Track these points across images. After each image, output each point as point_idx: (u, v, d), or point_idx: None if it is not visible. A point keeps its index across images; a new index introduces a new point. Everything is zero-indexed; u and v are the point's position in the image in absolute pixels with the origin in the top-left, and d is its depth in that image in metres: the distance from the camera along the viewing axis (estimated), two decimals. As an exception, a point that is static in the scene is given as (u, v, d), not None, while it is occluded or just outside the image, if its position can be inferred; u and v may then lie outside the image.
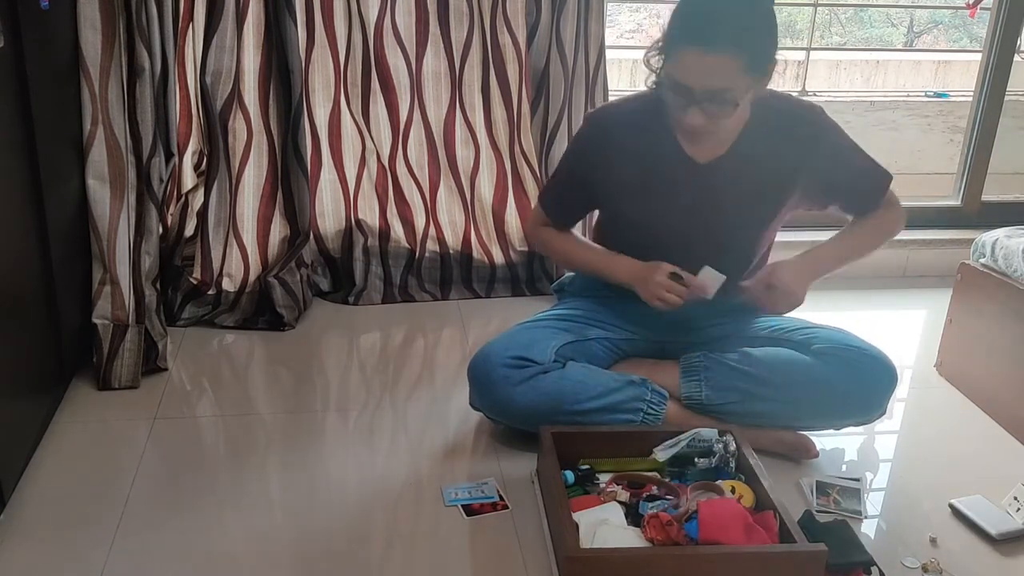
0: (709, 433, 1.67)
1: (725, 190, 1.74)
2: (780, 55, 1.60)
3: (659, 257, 1.77)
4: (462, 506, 1.63)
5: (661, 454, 1.65)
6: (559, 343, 1.81)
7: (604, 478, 1.65)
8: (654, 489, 1.61)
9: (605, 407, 1.74)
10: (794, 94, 1.78)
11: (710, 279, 1.73)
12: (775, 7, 1.59)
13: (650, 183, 1.76)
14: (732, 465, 1.65)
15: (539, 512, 1.63)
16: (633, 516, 1.54)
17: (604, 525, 1.49)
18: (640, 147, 1.73)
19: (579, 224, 2.04)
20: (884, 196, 1.83)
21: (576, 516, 1.49)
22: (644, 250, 1.80)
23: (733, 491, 1.58)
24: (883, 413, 1.80)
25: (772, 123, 1.72)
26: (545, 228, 1.96)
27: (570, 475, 1.61)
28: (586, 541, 1.45)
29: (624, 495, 1.58)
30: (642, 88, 1.74)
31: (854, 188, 1.82)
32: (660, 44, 1.63)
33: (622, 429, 1.73)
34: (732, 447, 1.66)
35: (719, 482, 1.60)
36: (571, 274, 2.08)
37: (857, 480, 1.74)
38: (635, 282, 1.78)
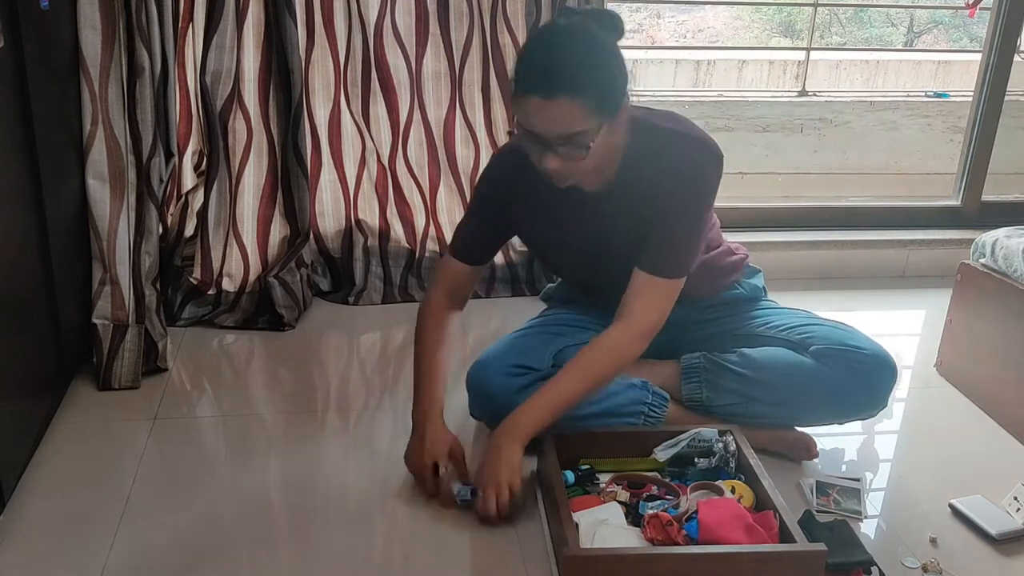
0: (709, 433, 1.67)
1: (615, 218, 1.70)
2: (630, 88, 1.54)
3: (585, 275, 1.82)
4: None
5: (661, 454, 1.65)
6: (556, 348, 1.81)
7: (604, 478, 1.65)
8: (654, 489, 1.61)
9: (606, 411, 1.74)
10: (698, 125, 1.68)
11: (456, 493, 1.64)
12: (607, 52, 1.52)
13: (549, 215, 1.74)
14: (732, 465, 1.65)
15: (539, 512, 1.63)
16: (633, 516, 1.54)
17: (604, 525, 1.49)
18: (537, 183, 1.67)
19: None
20: (664, 272, 1.65)
21: (576, 516, 1.49)
22: (566, 272, 1.90)
23: (733, 491, 1.58)
24: (885, 407, 1.80)
25: (656, 149, 1.63)
26: (432, 312, 1.81)
27: (570, 475, 1.61)
28: (586, 541, 1.45)
29: (624, 495, 1.58)
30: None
31: (655, 246, 1.66)
32: (511, 93, 1.59)
33: (622, 430, 1.73)
34: (732, 447, 1.66)
35: (719, 482, 1.60)
36: (555, 283, 2.09)
37: (857, 480, 1.74)
38: (411, 438, 1.69)
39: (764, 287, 1.99)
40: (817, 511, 1.63)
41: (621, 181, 1.65)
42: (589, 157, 1.52)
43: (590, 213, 1.70)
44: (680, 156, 1.63)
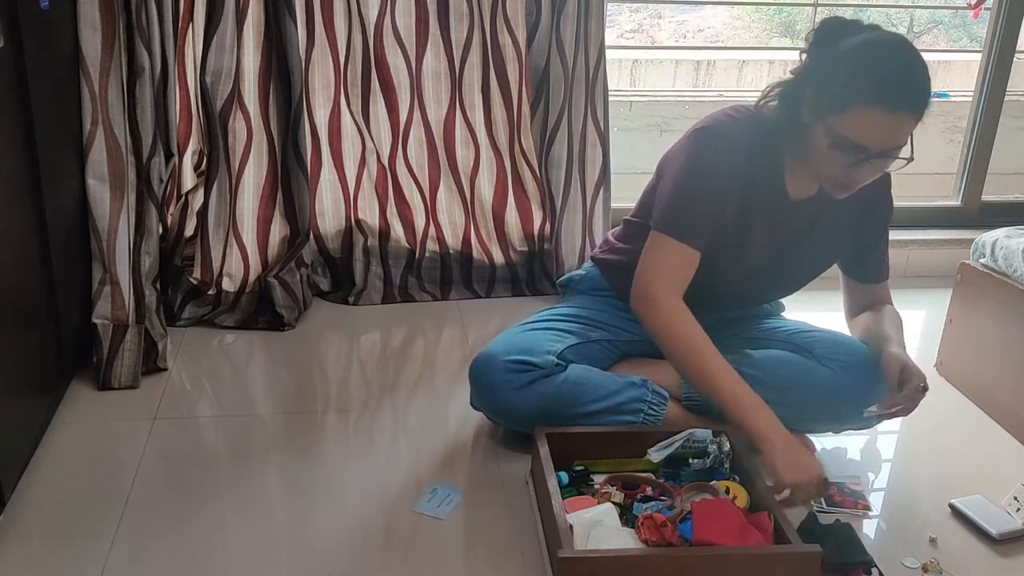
0: (703, 434, 1.67)
1: (807, 228, 1.75)
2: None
3: (715, 280, 1.69)
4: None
5: (655, 455, 1.65)
6: (561, 346, 1.81)
7: (598, 479, 1.65)
8: (648, 490, 1.61)
9: (606, 409, 1.75)
10: None
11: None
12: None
13: (747, 209, 1.71)
14: (727, 466, 1.65)
15: (534, 513, 1.63)
16: (627, 517, 1.53)
17: (598, 526, 1.48)
18: (749, 172, 1.67)
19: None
20: (887, 278, 1.91)
21: (570, 517, 1.49)
22: (708, 271, 1.68)
23: (727, 492, 1.57)
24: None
25: None
26: (682, 308, 1.64)
27: (564, 476, 1.61)
28: (580, 542, 1.45)
29: (618, 496, 1.57)
30: (730, 104, 1.71)
31: (877, 257, 1.89)
32: (808, 95, 1.57)
33: (616, 430, 1.73)
34: (726, 447, 1.66)
35: (713, 483, 1.60)
36: (580, 272, 2.05)
37: (857, 478, 1.74)
38: (777, 450, 1.53)
39: (783, 304, 2.04)
40: (817, 511, 1.63)
41: (822, 193, 1.68)
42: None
43: (790, 216, 1.73)
44: (882, 178, 1.72)
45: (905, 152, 1.55)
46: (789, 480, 1.50)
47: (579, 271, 2.07)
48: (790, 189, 1.71)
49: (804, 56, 1.62)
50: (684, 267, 1.65)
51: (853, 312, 1.93)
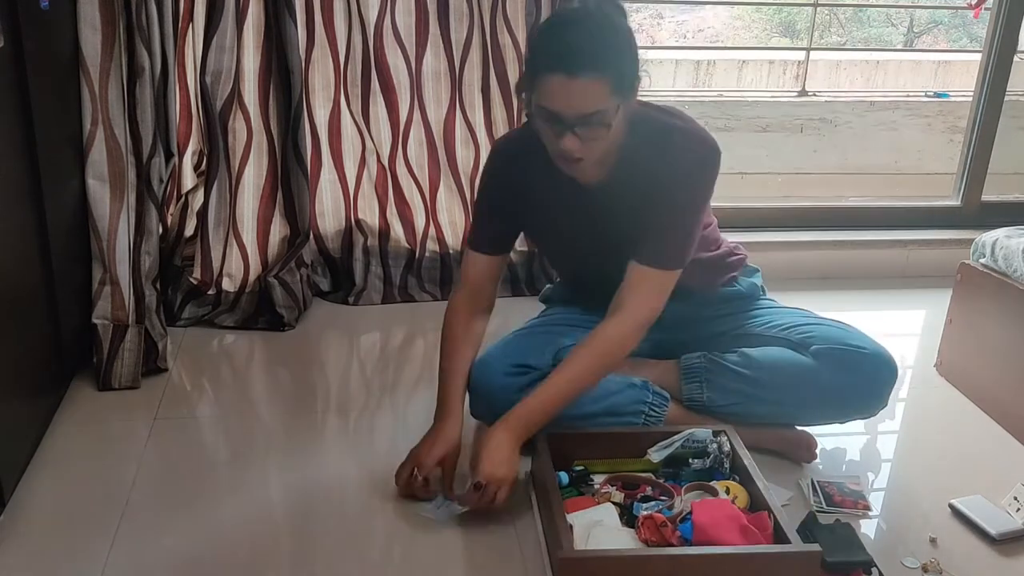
0: (703, 434, 1.67)
1: (610, 210, 1.71)
2: (643, 73, 1.57)
3: (579, 268, 1.84)
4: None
5: (655, 455, 1.65)
6: (557, 347, 1.81)
7: (598, 479, 1.65)
8: (648, 490, 1.60)
9: (607, 410, 1.74)
10: (697, 123, 1.70)
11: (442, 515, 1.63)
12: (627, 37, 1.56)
13: (549, 205, 1.75)
14: (727, 465, 1.65)
15: (534, 514, 1.63)
16: (627, 517, 1.53)
17: (598, 526, 1.49)
18: (534, 174, 1.71)
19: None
20: (659, 263, 1.66)
21: (570, 517, 1.49)
22: (567, 264, 1.93)
23: (727, 492, 1.57)
24: (885, 406, 1.80)
25: (655, 142, 1.64)
26: (457, 312, 1.80)
27: (564, 476, 1.61)
28: (580, 542, 1.45)
29: (618, 496, 1.57)
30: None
31: (649, 234, 1.67)
32: (525, 76, 1.60)
33: (617, 430, 1.73)
34: (726, 447, 1.66)
35: (713, 483, 1.59)
36: (553, 284, 2.10)
37: (857, 477, 1.74)
38: (432, 429, 1.69)
39: (763, 286, 1.99)
40: (818, 511, 1.63)
41: (618, 173, 1.67)
42: (602, 139, 1.55)
43: (586, 205, 1.72)
44: (679, 150, 1.64)
45: (607, 119, 1.52)
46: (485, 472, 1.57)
47: (551, 284, 2.12)
48: (580, 178, 1.67)
49: None
50: (481, 270, 1.80)
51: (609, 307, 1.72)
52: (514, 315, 2.23)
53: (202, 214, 2.34)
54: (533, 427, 1.63)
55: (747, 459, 1.63)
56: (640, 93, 1.62)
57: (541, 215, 1.77)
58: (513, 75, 2.42)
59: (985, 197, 2.95)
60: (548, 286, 2.13)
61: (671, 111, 1.71)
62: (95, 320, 2.00)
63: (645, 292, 1.67)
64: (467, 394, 1.77)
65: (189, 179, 2.43)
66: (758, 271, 2.01)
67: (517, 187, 1.75)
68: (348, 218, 2.54)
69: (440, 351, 1.79)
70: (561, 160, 1.60)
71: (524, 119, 2.44)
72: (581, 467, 1.66)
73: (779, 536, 1.45)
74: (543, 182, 1.69)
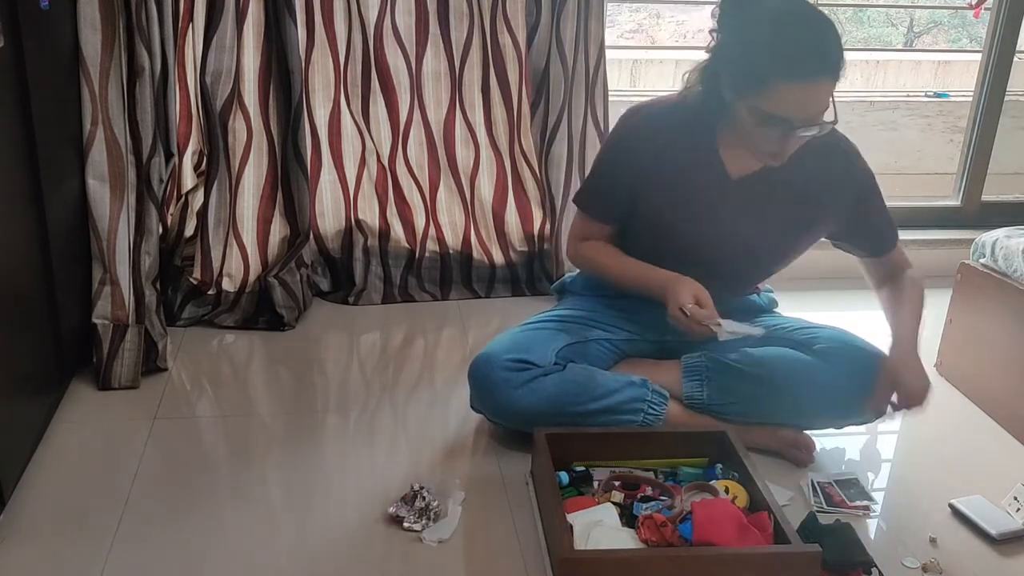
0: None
1: (753, 207, 1.72)
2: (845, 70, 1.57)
3: (676, 266, 1.74)
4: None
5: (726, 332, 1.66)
6: (559, 345, 1.81)
7: (599, 479, 1.65)
8: (648, 490, 1.61)
9: (606, 408, 1.74)
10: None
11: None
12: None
13: (682, 191, 1.73)
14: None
15: (534, 513, 1.63)
16: (627, 518, 1.53)
17: (598, 526, 1.48)
18: (676, 154, 1.70)
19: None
20: (896, 243, 1.89)
21: (570, 517, 1.49)
22: (663, 258, 1.78)
23: (727, 492, 1.57)
24: (884, 412, 1.80)
25: (807, 147, 1.65)
26: (587, 244, 1.87)
27: (564, 476, 1.61)
28: (580, 543, 1.45)
29: (619, 496, 1.57)
30: (671, 91, 1.72)
31: (873, 230, 1.86)
32: (725, 76, 1.58)
33: (616, 430, 1.73)
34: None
35: (713, 483, 1.60)
36: (572, 273, 2.07)
37: (855, 476, 1.74)
38: (662, 291, 1.71)
39: (774, 299, 2.03)
40: (817, 511, 1.63)
41: (767, 170, 1.68)
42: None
43: (732, 196, 1.72)
44: (840, 152, 1.73)
45: (829, 115, 1.56)
46: (670, 310, 1.67)
47: (571, 273, 2.08)
48: (729, 168, 1.70)
49: (714, 34, 1.64)
50: (595, 232, 1.85)
51: (875, 284, 1.94)
52: (514, 315, 2.24)
53: (202, 214, 2.34)
54: (916, 342, 1.75)
55: (747, 459, 1.63)
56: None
57: (669, 195, 1.74)
58: (513, 75, 2.42)
59: (985, 197, 2.95)
60: (568, 276, 2.08)
61: None
62: (95, 320, 2.00)
63: (905, 261, 1.89)
64: (471, 389, 1.79)
65: (189, 179, 2.43)
66: (770, 288, 2.04)
67: (652, 160, 1.71)
68: (348, 218, 2.54)
69: (603, 269, 1.84)
70: (769, 157, 1.61)
71: (529, 123, 2.45)
72: (582, 467, 1.66)
73: (779, 536, 1.45)
74: (683, 163, 1.68)
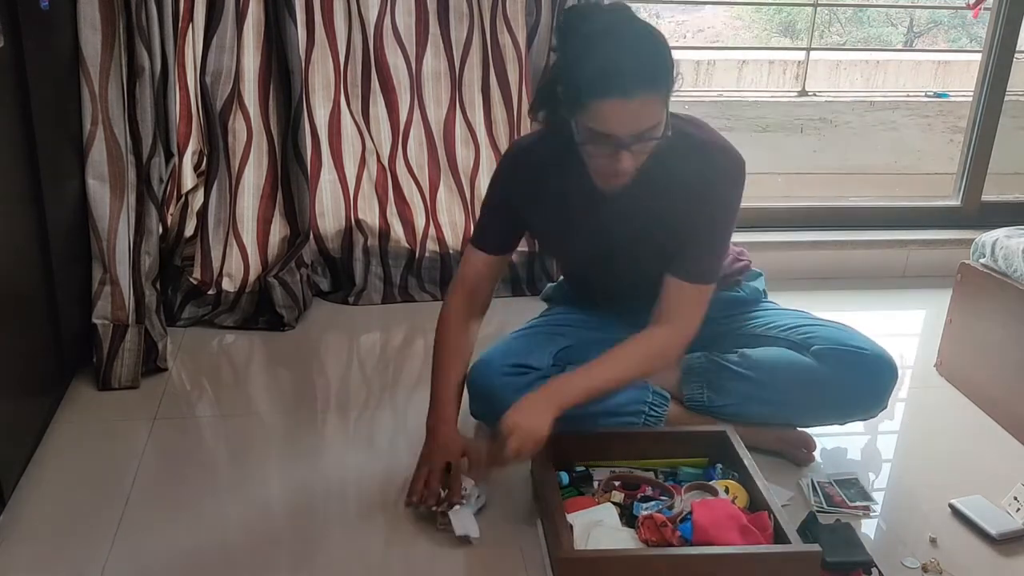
0: None
1: (628, 218, 1.69)
2: (677, 68, 1.52)
3: (587, 277, 1.83)
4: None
5: None
6: (557, 348, 1.81)
7: (599, 479, 1.65)
8: (648, 490, 1.60)
9: (606, 410, 1.74)
10: (720, 134, 1.70)
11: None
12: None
13: (562, 213, 1.73)
14: None
15: (534, 514, 1.63)
16: (627, 518, 1.53)
17: (598, 526, 1.48)
18: (551, 180, 1.69)
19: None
20: (700, 278, 1.68)
21: (570, 517, 1.49)
22: (572, 270, 1.90)
23: (727, 492, 1.57)
24: (885, 408, 1.80)
25: (678, 153, 1.60)
26: (452, 320, 1.78)
27: (564, 476, 1.61)
28: (580, 542, 1.45)
29: (618, 496, 1.57)
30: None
31: (688, 255, 1.68)
32: (556, 97, 1.55)
33: (617, 430, 1.73)
34: None
35: (713, 483, 1.60)
36: (555, 283, 2.09)
37: (857, 478, 1.74)
38: (424, 444, 1.67)
39: (764, 290, 1.99)
40: (818, 511, 1.63)
41: (640, 181, 1.63)
42: (650, 150, 1.52)
43: (603, 211, 1.70)
44: (709, 165, 1.64)
45: (659, 131, 1.50)
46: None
47: (554, 283, 2.10)
48: (600, 185, 1.63)
49: (552, 54, 1.61)
50: (481, 270, 1.79)
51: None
52: (514, 315, 2.23)
53: (202, 214, 2.34)
54: (567, 400, 1.60)
55: (747, 459, 1.63)
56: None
57: (553, 219, 1.76)
58: (513, 75, 2.42)
59: (985, 197, 2.95)
60: (550, 285, 2.13)
61: (696, 122, 1.68)
62: (95, 320, 2.00)
63: (690, 305, 1.69)
64: (462, 397, 1.75)
65: (189, 179, 2.43)
66: (761, 275, 2.01)
67: (530, 190, 1.73)
68: (348, 218, 2.54)
69: (433, 359, 1.75)
70: (607, 178, 1.56)
71: (529, 124, 2.45)
72: (582, 468, 1.66)
73: (779, 536, 1.45)
74: (558, 187, 1.68)
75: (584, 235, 1.75)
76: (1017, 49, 2.83)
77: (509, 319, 2.19)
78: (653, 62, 1.48)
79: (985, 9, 2.89)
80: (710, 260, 1.70)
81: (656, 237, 1.69)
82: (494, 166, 2.52)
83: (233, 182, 2.34)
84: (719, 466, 1.67)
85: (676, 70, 1.51)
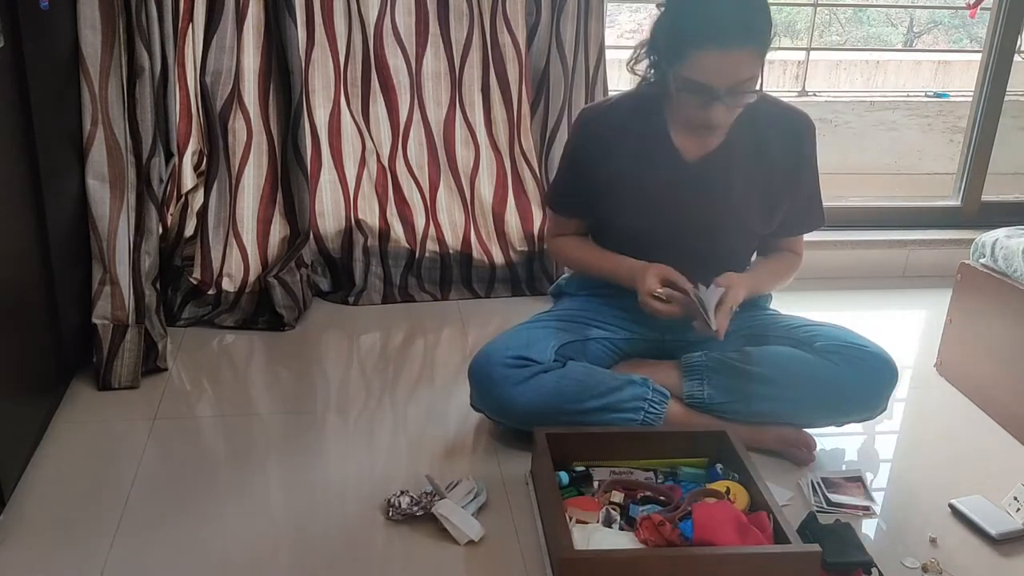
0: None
1: (714, 187, 1.75)
2: (775, 28, 1.61)
3: (651, 255, 1.79)
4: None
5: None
6: (559, 343, 1.81)
7: (598, 479, 1.65)
8: (648, 492, 1.60)
9: (606, 406, 1.74)
10: (788, 99, 1.81)
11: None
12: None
13: (641, 181, 1.77)
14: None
15: (534, 513, 1.63)
16: (626, 519, 1.53)
17: (599, 529, 1.48)
18: (631, 146, 1.75)
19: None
20: (814, 227, 1.93)
21: (572, 528, 1.49)
22: (637, 248, 1.83)
23: (727, 492, 1.57)
24: (884, 410, 1.80)
25: (761, 122, 1.73)
26: (561, 238, 1.97)
27: (564, 476, 1.61)
28: (580, 543, 1.45)
29: (618, 496, 1.57)
30: (627, 88, 1.75)
31: (799, 213, 1.88)
32: (658, 48, 1.63)
33: (617, 430, 1.73)
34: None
35: (714, 484, 1.59)
36: (567, 275, 2.09)
37: (857, 478, 1.74)
38: (632, 282, 1.78)
39: (770, 294, 2.01)
40: (818, 510, 1.63)
41: (723, 149, 1.73)
42: (745, 104, 1.60)
43: (691, 180, 1.74)
44: (798, 123, 1.75)
45: (753, 86, 1.60)
46: (640, 300, 1.74)
47: (566, 275, 2.09)
48: (682, 151, 1.73)
49: (658, 7, 1.69)
50: (569, 227, 1.95)
51: (760, 253, 1.98)
52: (514, 315, 2.24)
53: (202, 214, 2.34)
54: (752, 285, 1.80)
55: (747, 459, 1.63)
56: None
57: (629, 187, 1.78)
58: (513, 75, 2.42)
59: (985, 197, 2.95)
60: (563, 278, 2.11)
61: (774, 98, 1.79)
62: (95, 320, 2.00)
63: (801, 245, 1.94)
64: (471, 386, 1.81)
65: (189, 179, 2.43)
66: None
67: (607, 155, 1.76)
68: (348, 218, 2.54)
69: (579, 265, 1.95)
70: (701, 129, 1.64)
71: (529, 123, 2.45)
72: (582, 468, 1.66)
73: (779, 536, 1.45)
74: (639, 153, 1.72)
75: (664, 201, 1.78)
76: (1017, 49, 2.83)
77: (509, 319, 2.19)
78: (754, 17, 1.55)
79: (985, 9, 2.89)
80: (820, 208, 1.89)
81: (748, 202, 1.76)
82: (494, 166, 2.52)
83: (233, 182, 2.34)
84: (719, 466, 1.67)
85: (774, 30, 1.59)
